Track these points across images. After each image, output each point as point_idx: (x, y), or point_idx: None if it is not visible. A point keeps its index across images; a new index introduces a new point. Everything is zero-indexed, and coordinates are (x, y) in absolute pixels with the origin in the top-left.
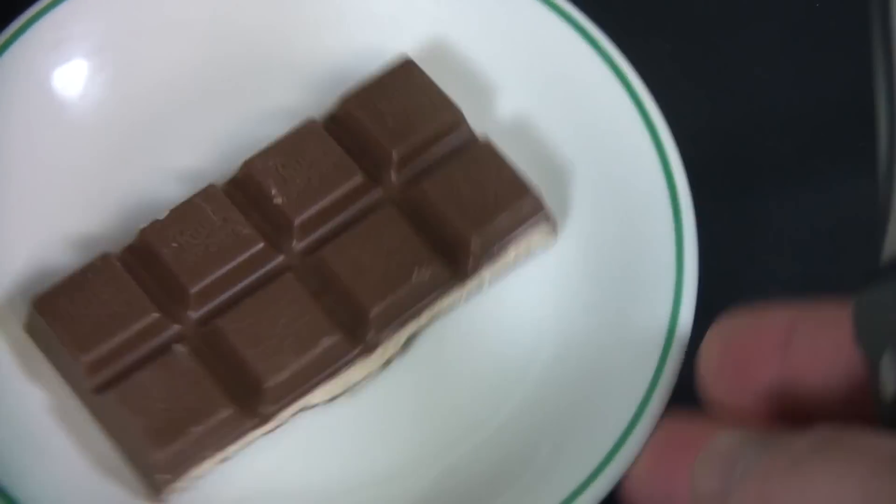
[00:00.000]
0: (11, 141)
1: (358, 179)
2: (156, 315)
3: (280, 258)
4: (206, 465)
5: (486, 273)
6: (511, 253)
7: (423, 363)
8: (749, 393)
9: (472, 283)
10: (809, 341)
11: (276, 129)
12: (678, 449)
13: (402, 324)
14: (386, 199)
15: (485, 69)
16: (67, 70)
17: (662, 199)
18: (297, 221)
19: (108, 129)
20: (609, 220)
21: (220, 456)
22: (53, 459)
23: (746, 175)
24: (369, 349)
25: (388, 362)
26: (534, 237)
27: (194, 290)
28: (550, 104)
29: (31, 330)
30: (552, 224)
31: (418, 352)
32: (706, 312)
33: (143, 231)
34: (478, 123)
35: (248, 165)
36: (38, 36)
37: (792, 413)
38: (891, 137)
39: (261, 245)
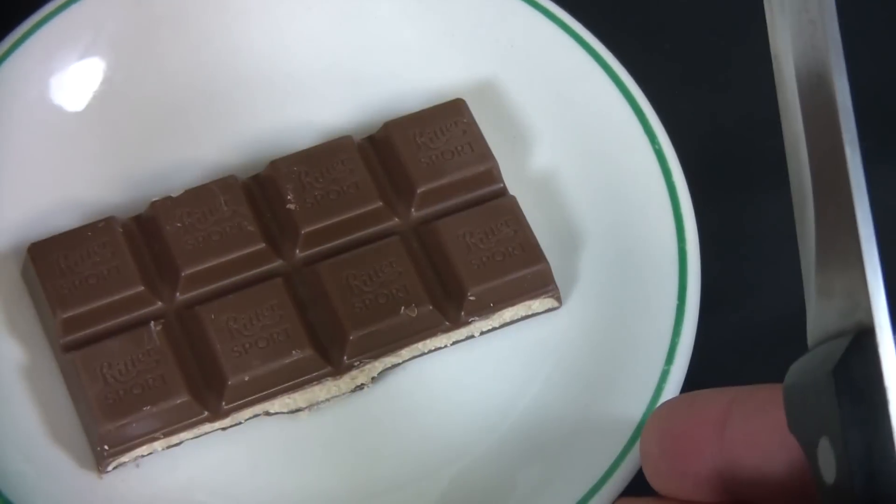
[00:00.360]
0: (44, 118)
1: (376, 205)
2: (141, 288)
3: (278, 262)
4: (153, 447)
5: (478, 325)
6: (507, 312)
7: (393, 398)
8: (690, 478)
9: (460, 332)
10: (745, 425)
11: (315, 142)
12: None
13: (379, 355)
14: (398, 230)
15: (530, 116)
16: (108, 57)
17: (670, 287)
18: (304, 231)
19: (148, 115)
20: (614, 294)
21: (168, 441)
22: (8, 418)
23: (746, 175)
24: (340, 372)
25: (358, 388)
26: (535, 303)
27: (186, 272)
28: (582, 162)
29: (26, 276)
30: (556, 296)
31: (391, 385)
32: (706, 310)
33: (154, 204)
34: (508, 169)
35: (273, 165)
36: (78, 17)
37: (736, 497)
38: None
39: (261, 245)
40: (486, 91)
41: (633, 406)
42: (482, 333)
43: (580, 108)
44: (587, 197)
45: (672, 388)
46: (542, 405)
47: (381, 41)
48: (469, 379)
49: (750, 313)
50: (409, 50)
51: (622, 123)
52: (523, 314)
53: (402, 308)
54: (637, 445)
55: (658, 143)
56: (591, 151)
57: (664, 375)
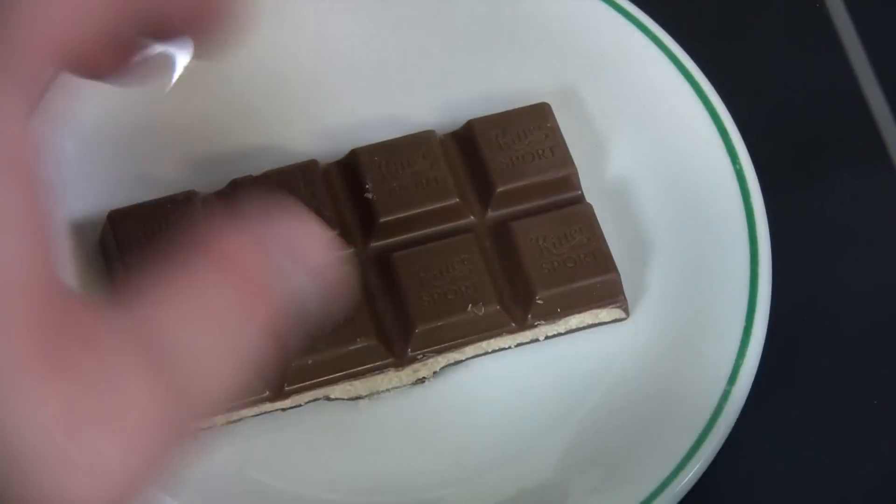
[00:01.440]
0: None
1: (452, 201)
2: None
3: (355, 250)
4: (213, 421)
5: (543, 329)
6: (574, 319)
7: (452, 394)
8: None
9: (525, 334)
10: None
11: (397, 135)
12: None
13: (443, 350)
14: (473, 227)
15: (613, 125)
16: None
17: (738, 308)
18: (381, 220)
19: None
20: (682, 311)
21: (228, 416)
22: None
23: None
24: (402, 363)
25: (419, 381)
26: (602, 312)
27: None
28: (660, 176)
29: (103, 243)
30: (624, 308)
31: (451, 381)
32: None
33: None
34: (586, 176)
35: (354, 153)
36: None
37: None
38: None
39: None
40: (571, 97)
41: (691, 424)
42: (547, 338)
43: (664, 123)
44: (663, 211)
45: (733, 408)
46: (600, 415)
47: (472, 41)
48: (530, 382)
49: (818, 335)
50: (499, 51)
51: (705, 141)
52: (590, 322)
53: (470, 305)
54: (692, 461)
55: (739, 164)
56: (670, 166)
57: (725, 396)
